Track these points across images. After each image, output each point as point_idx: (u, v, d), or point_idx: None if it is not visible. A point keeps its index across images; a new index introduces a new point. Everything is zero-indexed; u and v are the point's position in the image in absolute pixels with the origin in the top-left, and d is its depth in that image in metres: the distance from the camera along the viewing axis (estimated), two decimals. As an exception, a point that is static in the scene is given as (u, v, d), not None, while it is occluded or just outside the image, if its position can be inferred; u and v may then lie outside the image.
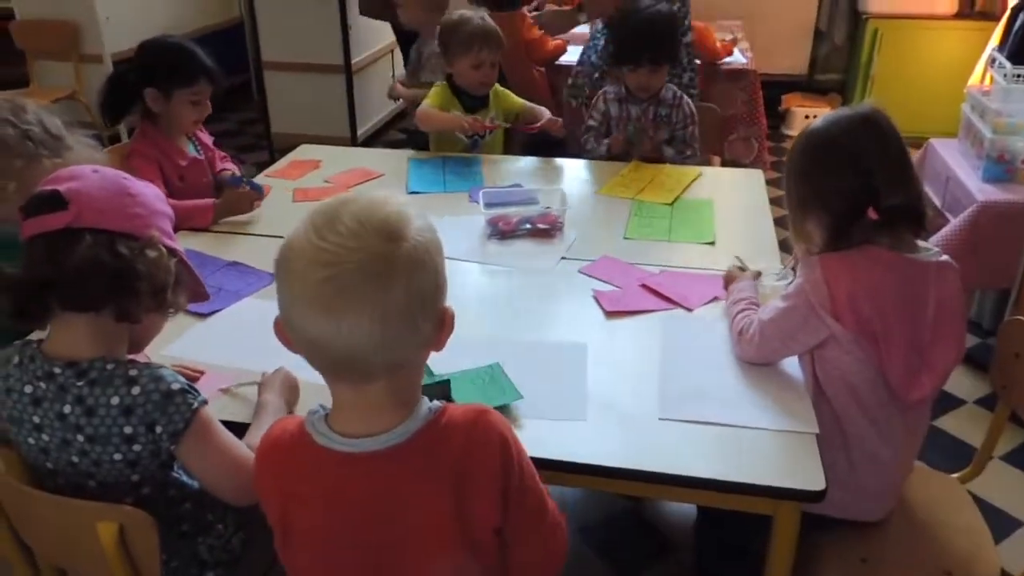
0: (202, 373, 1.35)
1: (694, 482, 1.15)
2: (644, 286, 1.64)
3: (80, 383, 1.04)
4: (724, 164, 3.08)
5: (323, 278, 0.79)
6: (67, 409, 1.04)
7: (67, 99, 4.06)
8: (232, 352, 1.43)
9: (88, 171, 1.10)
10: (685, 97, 2.41)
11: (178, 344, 1.45)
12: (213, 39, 4.80)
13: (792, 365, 1.37)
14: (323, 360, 0.85)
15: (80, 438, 1.05)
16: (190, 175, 2.04)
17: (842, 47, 4.76)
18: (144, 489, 1.10)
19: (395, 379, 0.87)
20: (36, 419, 1.06)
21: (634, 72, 2.34)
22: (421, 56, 2.97)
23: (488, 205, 1.91)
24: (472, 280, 1.72)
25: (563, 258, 1.78)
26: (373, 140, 4.40)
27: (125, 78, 1.97)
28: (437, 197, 2.12)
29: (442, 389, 1.20)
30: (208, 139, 2.19)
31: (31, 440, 1.08)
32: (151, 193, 1.14)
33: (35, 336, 1.14)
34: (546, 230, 1.88)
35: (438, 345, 0.89)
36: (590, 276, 1.70)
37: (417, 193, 2.14)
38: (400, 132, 4.49)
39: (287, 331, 0.85)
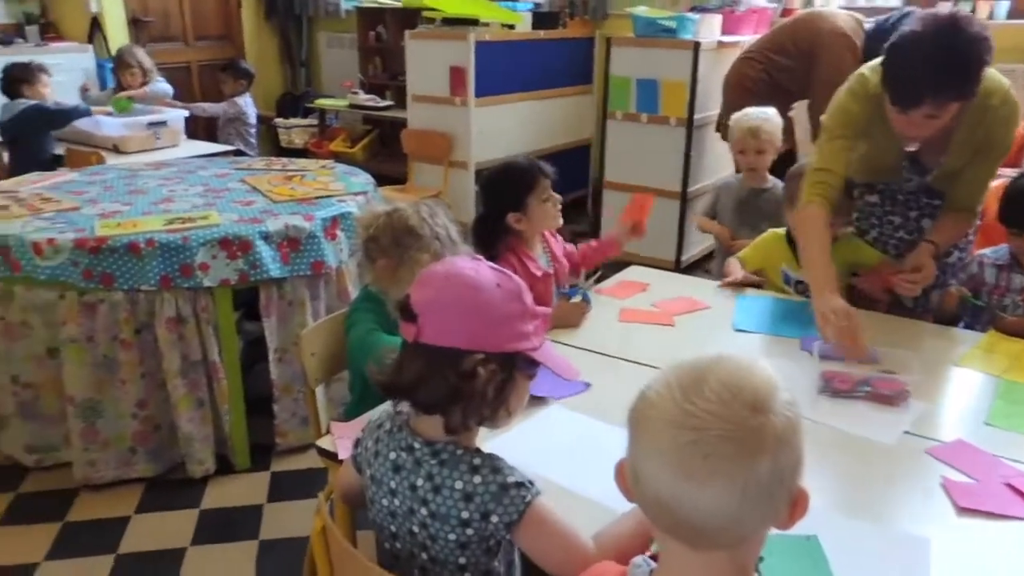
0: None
1: None
2: (1010, 486, 1.39)
3: (433, 461, 1.13)
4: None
5: (687, 442, 0.77)
6: (419, 482, 1.13)
7: (434, 197, 4.64)
8: (538, 458, 1.45)
9: (440, 278, 1.13)
10: None
11: (493, 441, 1.51)
12: (561, 157, 5.22)
13: None
14: (667, 520, 0.82)
15: (424, 511, 1.13)
16: (539, 287, 2.18)
17: None
18: (467, 574, 1.15)
19: (737, 551, 0.82)
20: (392, 484, 1.16)
21: None
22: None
23: (824, 358, 1.78)
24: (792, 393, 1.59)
25: (906, 432, 1.58)
26: (695, 267, 4.41)
27: (486, 218, 2.16)
28: (763, 339, 2.02)
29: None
30: (560, 249, 2.34)
31: (384, 501, 1.18)
32: (498, 299, 1.12)
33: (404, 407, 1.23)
34: (888, 397, 1.69)
35: (787, 524, 0.83)
36: (939, 460, 1.48)
37: (742, 331, 2.07)
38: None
39: (631, 482, 0.84)
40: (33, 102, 3.97)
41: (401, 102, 5.58)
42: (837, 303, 1.85)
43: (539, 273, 2.20)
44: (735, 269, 2.38)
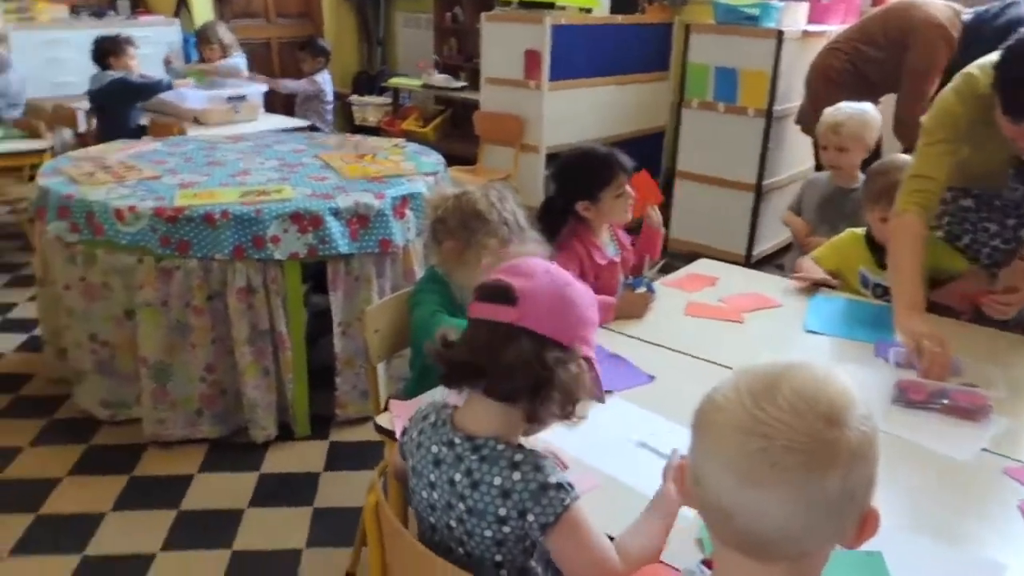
0: (566, 468, 1.37)
1: None
2: (1096, 513, 1.30)
3: (473, 456, 1.11)
4: None
5: (755, 450, 0.74)
6: (458, 477, 1.12)
7: (503, 180, 4.63)
8: (595, 449, 1.44)
9: (541, 270, 1.16)
10: None
11: (550, 430, 1.50)
12: (633, 144, 5.14)
13: None
14: (727, 529, 0.79)
15: (462, 507, 1.11)
16: (604, 275, 2.16)
17: None
18: (502, 571, 1.13)
19: (798, 564, 0.79)
20: (432, 477, 1.16)
21: None
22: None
23: (899, 366, 1.70)
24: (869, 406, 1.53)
25: (984, 450, 1.50)
26: (765, 262, 4.30)
27: (555, 202, 2.16)
28: (836, 342, 1.95)
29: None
30: (627, 240, 2.31)
31: (423, 494, 1.18)
32: (586, 302, 1.17)
33: (452, 399, 1.23)
34: (968, 411, 1.61)
35: (854, 543, 0.79)
36: (1018, 481, 1.40)
37: (814, 333, 2.00)
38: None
39: (692, 485, 0.82)
40: (119, 74, 4.11)
41: (474, 83, 5.58)
42: (929, 328, 1.74)
43: (604, 262, 2.17)
44: (808, 268, 2.30)
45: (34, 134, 3.80)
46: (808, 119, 3.77)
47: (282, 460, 2.52)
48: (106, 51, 4.18)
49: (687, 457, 0.83)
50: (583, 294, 1.17)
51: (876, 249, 2.20)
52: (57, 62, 5.26)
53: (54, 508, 2.26)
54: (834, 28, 4.08)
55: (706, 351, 1.86)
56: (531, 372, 1.09)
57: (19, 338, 3.26)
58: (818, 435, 0.74)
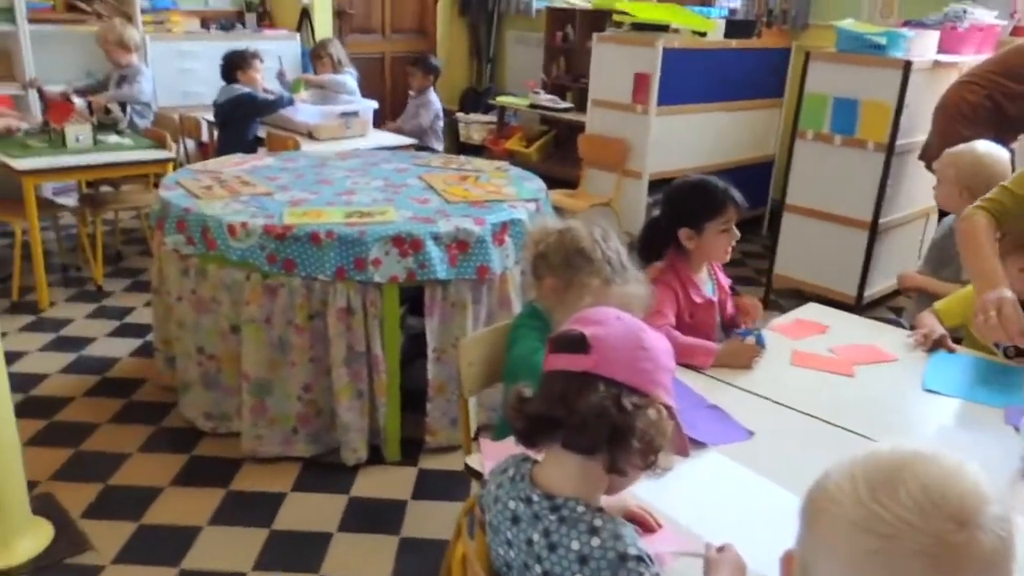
0: (660, 527, 1.31)
1: None
2: None
3: (552, 517, 1.08)
4: None
5: (872, 550, 0.68)
6: (535, 537, 1.08)
7: (603, 205, 4.58)
8: (686, 507, 1.38)
9: (612, 317, 1.15)
10: None
11: (643, 485, 1.44)
12: (740, 173, 4.99)
13: None
14: None
15: (538, 568, 1.08)
16: (700, 314, 2.08)
17: None
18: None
19: None
20: (509, 535, 1.13)
21: None
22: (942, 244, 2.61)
23: (1033, 439, 1.55)
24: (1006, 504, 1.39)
25: None
26: (877, 304, 4.07)
27: (659, 224, 2.11)
28: (959, 405, 1.80)
29: None
30: (726, 281, 2.23)
31: (500, 551, 1.15)
32: (662, 349, 1.15)
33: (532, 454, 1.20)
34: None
35: None
36: None
37: (934, 393, 1.86)
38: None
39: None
40: (246, 90, 4.30)
41: (581, 105, 5.55)
42: (1008, 293, 1.75)
43: (700, 300, 2.10)
44: (930, 324, 2.13)
45: (161, 143, 4.02)
46: (934, 155, 3.55)
47: (372, 484, 2.53)
48: (234, 65, 4.38)
49: (795, 548, 0.77)
50: (658, 340, 1.15)
51: None
52: (188, 72, 5.58)
53: (155, 518, 2.34)
54: (967, 59, 3.84)
55: (812, 406, 1.75)
56: (608, 420, 1.05)
57: (134, 343, 3.43)
58: (945, 538, 0.66)
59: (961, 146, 2.52)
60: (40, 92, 4.26)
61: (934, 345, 2.05)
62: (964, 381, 1.90)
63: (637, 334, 1.13)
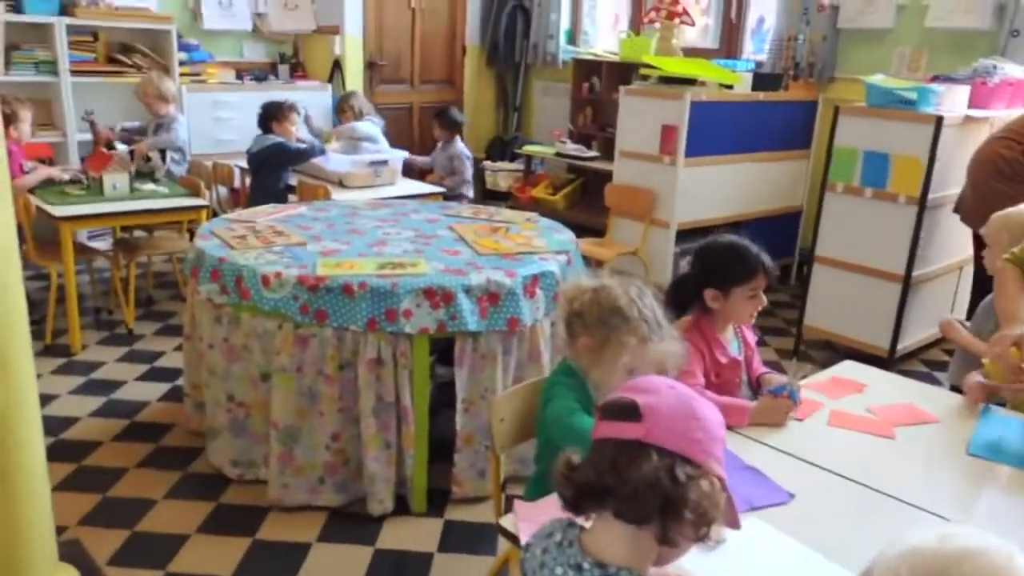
0: None
1: None
2: None
3: None
4: None
5: None
6: None
7: (631, 254, 4.58)
8: (724, 574, 1.34)
9: (664, 386, 1.14)
10: None
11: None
12: (767, 223, 4.99)
13: None
14: None
15: None
16: (726, 373, 2.06)
17: None
18: None
19: None
20: None
21: None
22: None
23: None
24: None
25: None
26: (909, 358, 4.01)
27: (687, 282, 2.11)
28: (1007, 472, 1.75)
29: None
30: (753, 338, 2.21)
31: None
32: (714, 419, 1.13)
33: (580, 519, 1.18)
34: None
35: None
36: None
37: (977, 457, 1.81)
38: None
39: None
40: (279, 139, 4.38)
41: (607, 153, 5.59)
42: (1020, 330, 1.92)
43: (725, 360, 2.08)
44: (974, 388, 2.08)
45: (195, 191, 4.09)
46: (968, 208, 3.53)
47: (397, 536, 2.50)
48: (271, 116, 4.47)
49: None
50: (711, 410, 1.13)
51: None
52: (222, 121, 5.70)
53: (181, 567, 2.32)
54: (999, 114, 3.83)
55: (852, 470, 1.71)
56: (660, 490, 1.03)
57: (163, 387, 3.44)
58: None
59: (1010, 210, 2.46)
60: (92, 125, 4.37)
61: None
62: (1011, 446, 1.85)
63: (690, 403, 1.11)
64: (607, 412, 1.13)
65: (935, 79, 4.03)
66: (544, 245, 2.96)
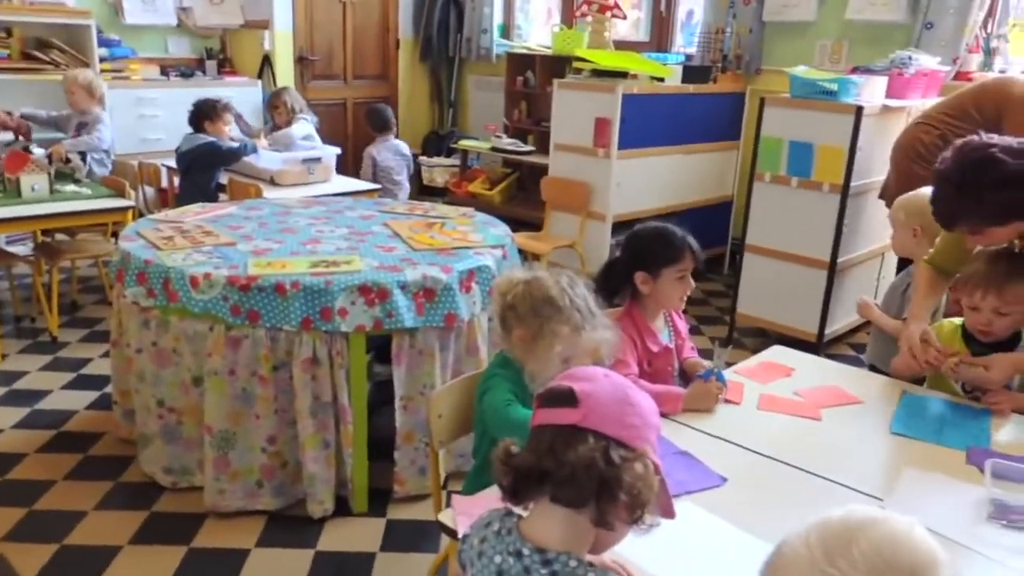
0: None
1: None
2: None
3: (544, 571, 1.06)
4: None
5: None
6: None
7: (567, 247, 4.62)
8: (660, 560, 1.37)
9: (600, 375, 1.16)
10: None
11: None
12: (700, 213, 5.10)
13: None
14: None
15: None
16: (658, 362, 2.11)
17: None
18: None
19: None
20: None
21: None
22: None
23: (997, 477, 1.58)
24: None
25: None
26: (837, 342, 4.15)
27: (616, 266, 2.15)
28: (924, 448, 1.83)
29: None
30: (684, 326, 2.25)
31: None
32: (649, 407, 1.16)
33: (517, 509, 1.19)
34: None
35: None
36: None
37: (900, 435, 1.88)
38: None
39: None
40: (210, 139, 4.28)
41: (542, 147, 5.63)
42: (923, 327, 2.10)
43: (657, 348, 2.12)
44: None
45: (120, 192, 3.96)
46: (892, 194, 3.66)
47: (339, 538, 2.48)
48: (203, 115, 4.36)
49: None
50: (645, 399, 1.16)
51: (972, 341, 2.09)
52: (146, 119, 5.54)
53: (111, 579, 2.26)
54: (914, 103, 3.99)
55: (781, 451, 1.76)
56: (596, 471, 1.05)
57: (91, 395, 3.33)
58: None
59: (910, 193, 2.61)
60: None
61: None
62: (930, 424, 1.93)
63: (625, 391, 1.14)
64: (545, 400, 1.14)
65: (855, 70, 4.16)
66: (480, 240, 2.96)
